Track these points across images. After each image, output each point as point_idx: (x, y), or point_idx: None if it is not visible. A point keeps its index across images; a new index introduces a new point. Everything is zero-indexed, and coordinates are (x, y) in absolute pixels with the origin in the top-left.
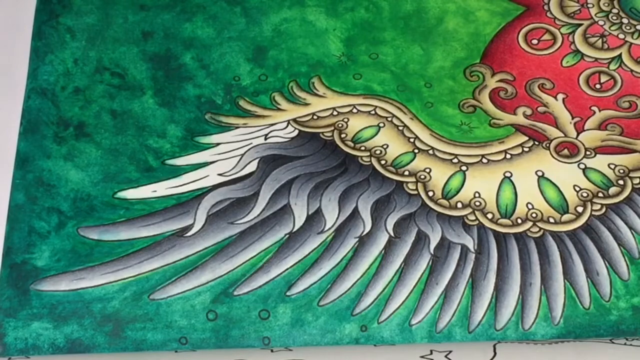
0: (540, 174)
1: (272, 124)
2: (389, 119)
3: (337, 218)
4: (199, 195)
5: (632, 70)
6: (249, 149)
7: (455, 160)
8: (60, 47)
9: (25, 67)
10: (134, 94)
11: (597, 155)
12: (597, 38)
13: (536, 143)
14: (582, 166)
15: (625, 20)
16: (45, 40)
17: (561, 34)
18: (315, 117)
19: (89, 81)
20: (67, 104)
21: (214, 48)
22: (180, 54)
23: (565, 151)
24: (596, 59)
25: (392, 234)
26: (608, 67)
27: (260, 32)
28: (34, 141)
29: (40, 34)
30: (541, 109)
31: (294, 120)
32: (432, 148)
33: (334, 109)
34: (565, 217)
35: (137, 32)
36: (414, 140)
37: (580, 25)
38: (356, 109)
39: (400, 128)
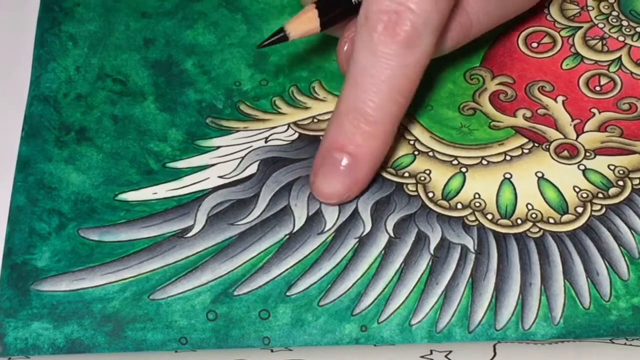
0: (540, 175)
1: (273, 127)
2: None
3: (337, 219)
4: (199, 197)
5: (632, 73)
6: (250, 152)
7: (455, 162)
8: (63, 54)
9: (28, 74)
10: (136, 99)
11: (597, 156)
12: (597, 40)
13: (536, 145)
14: (582, 167)
15: (625, 23)
16: (47, 47)
17: (561, 37)
18: (315, 120)
19: (90, 88)
20: (69, 110)
21: (215, 54)
22: (182, 60)
23: (565, 153)
24: (596, 62)
25: (392, 235)
26: (608, 70)
27: (261, 38)
28: (35, 145)
29: (42, 42)
30: (541, 111)
31: (295, 123)
32: (432, 150)
33: None
34: (565, 217)
35: (138, 39)
36: (414, 143)
37: (580, 28)
38: None
39: (400, 130)
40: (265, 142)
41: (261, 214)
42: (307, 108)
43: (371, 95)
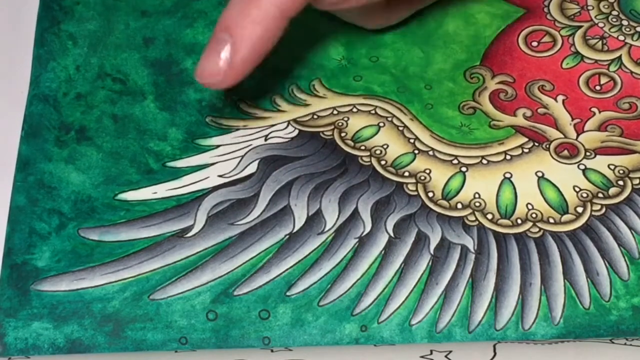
0: (540, 174)
1: (272, 125)
2: (389, 118)
3: (337, 219)
4: (199, 197)
5: (631, 72)
6: (249, 150)
7: (455, 162)
8: (62, 54)
9: (28, 74)
10: (135, 99)
11: (597, 156)
12: (597, 40)
13: (536, 144)
14: (582, 167)
15: (625, 22)
16: (47, 47)
17: (561, 36)
18: (315, 116)
19: (90, 87)
20: (69, 109)
21: None
22: (182, 59)
23: (565, 152)
24: (596, 61)
25: (392, 235)
26: (608, 69)
27: None
28: (35, 145)
29: (42, 41)
30: (541, 110)
31: (294, 120)
32: (432, 149)
33: (334, 108)
34: (565, 217)
35: (138, 38)
36: (414, 141)
37: (580, 27)
38: (356, 108)
39: (401, 128)
40: (265, 140)
41: (261, 213)
42: (306, 105)
43: None
